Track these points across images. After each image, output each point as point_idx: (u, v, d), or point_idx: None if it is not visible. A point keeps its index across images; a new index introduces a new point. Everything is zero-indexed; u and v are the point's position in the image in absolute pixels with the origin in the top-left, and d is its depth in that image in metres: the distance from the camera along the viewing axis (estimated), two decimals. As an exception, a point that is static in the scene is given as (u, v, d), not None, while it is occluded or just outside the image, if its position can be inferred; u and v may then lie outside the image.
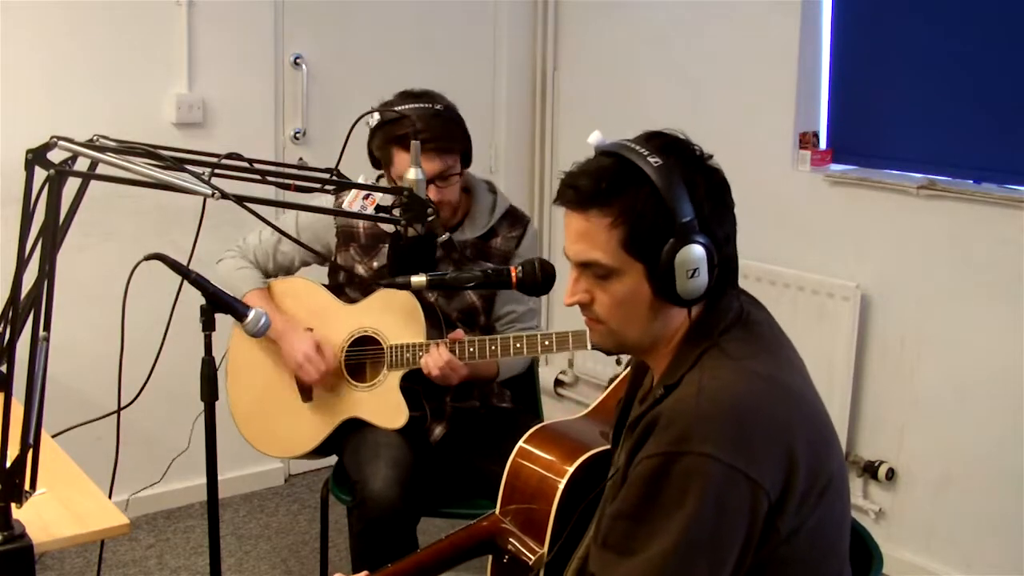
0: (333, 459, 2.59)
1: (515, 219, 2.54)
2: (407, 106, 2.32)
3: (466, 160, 2.43)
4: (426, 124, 2.26)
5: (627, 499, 1.35)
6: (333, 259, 2.51)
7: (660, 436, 1.32)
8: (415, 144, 1.87)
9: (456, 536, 1.76)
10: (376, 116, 2.34)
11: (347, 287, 2.51)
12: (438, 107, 2.34)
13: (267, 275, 2.56)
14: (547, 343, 2.27)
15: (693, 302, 1.39)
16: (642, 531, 1.31)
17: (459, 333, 2.35)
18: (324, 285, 2.55)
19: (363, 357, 2.46)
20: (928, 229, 2.97)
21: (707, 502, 1.27)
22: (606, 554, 1.36)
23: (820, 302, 3.18)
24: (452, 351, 2.30)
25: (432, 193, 2.31)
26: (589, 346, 2.19)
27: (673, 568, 1.28)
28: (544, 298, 4.08)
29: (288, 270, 2.57)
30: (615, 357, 2.28)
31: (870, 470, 3.12)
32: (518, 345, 2.28)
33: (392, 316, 2.41)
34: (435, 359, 2.30)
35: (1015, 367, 2.77)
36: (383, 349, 2.41)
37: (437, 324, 2.42)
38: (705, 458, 1.27)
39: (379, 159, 2.40)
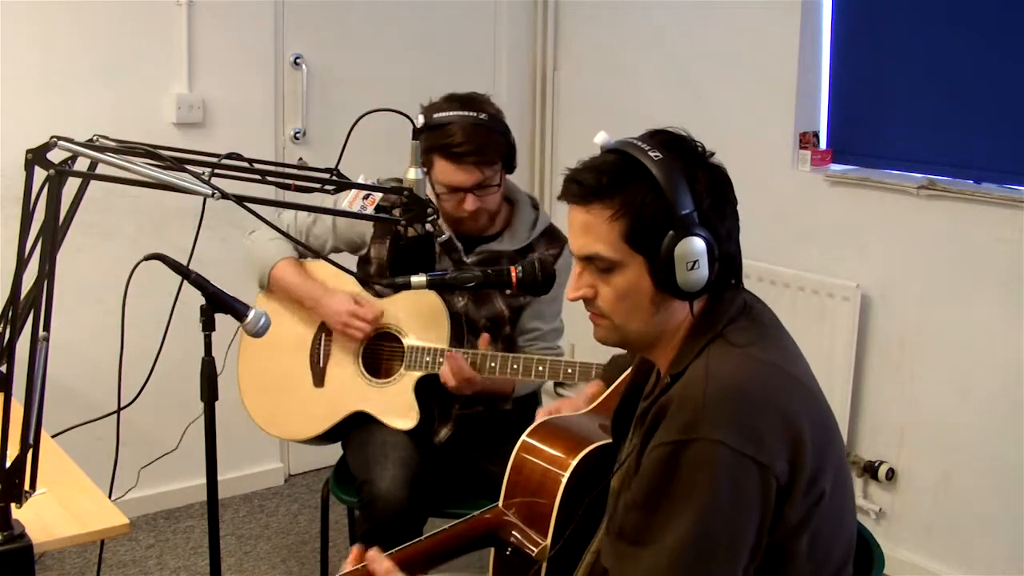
0: (334, 455, 2.59)
1: (554, 237, 2.53)
2: (450, 113, 2.30)
3: (508, 166, 2.41)
4: (467, 135, 2.26)
5: (640, 488, 1.36)
6: (367, 250, 2.50)
7: (670, 424, 1.34)
8: (415, 144, 1.87)
9: (458, 527, 1.76)
10: (421, 119, 2.32)
11: (375, 280, 2.51)
12: (481, 116, 2.32)
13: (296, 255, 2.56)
14: (569, 371, 2.26)
15: (694, 295, 1.41)
16: (656, 520, 1.33)
17: (485, 338, 2.35)
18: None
19: (381, 352, 2.45)
20: (928, 229, 2.97)
21: (719, 489, 1.28)
22: (621, 545, 1.38)
23: (820, 302, 3.18)
24: (473, 363, 2.30)
25: (470, 202, 2.33)
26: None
27: (690, 557, 1.29)
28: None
29: (318, 254, 2.57)
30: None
31: (870, 470, 3.12)
32: (540, 369, 2.28)
33: (417, 317, 2.41)
34: (454, 370, 2.29)
35: (1015, 367, 2.77)
36: (403, 347, 2.41)
37: (460, 332, 2.42)
38: (715, 444, 1.28)
39: (422, 163, 2.39)
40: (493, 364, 2.31)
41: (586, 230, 1.42)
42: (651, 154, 1.38)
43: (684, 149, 1.42)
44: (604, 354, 2.24)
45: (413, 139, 2.36)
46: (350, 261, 2.59)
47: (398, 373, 2.41)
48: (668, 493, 1.32)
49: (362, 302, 2.42)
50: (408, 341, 2.40)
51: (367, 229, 2.50)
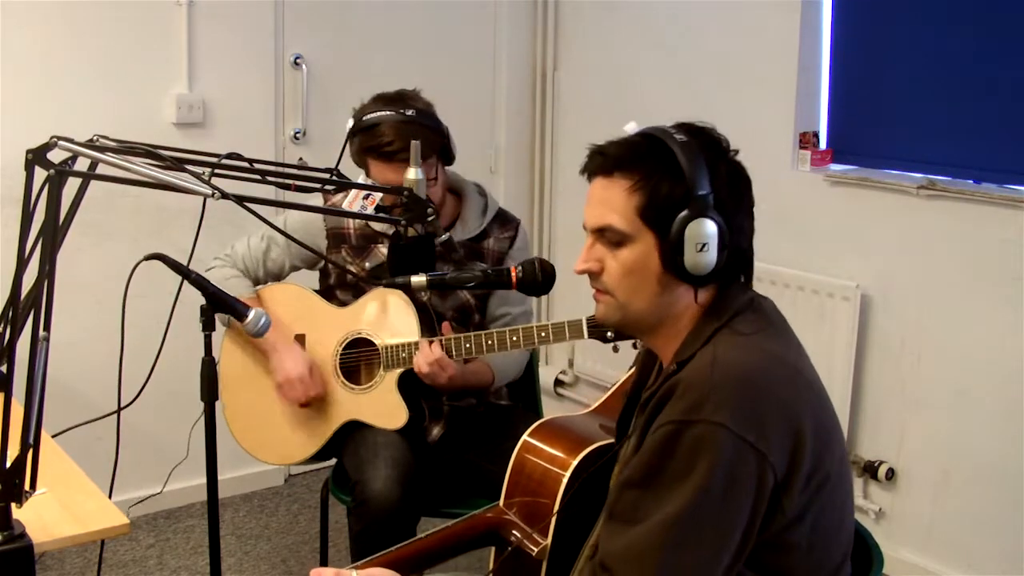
0: (333, 460, 2.59)
1: (506, 220, 2.55)
2: (377, 114, 2.31)
3: (445, 158, 2.42)
4: (395, 133, 2.26)
5: (637, 467, 1.37)
6: (323, 263, 2.51)
7: (674, 405, 1.34)
8: (415, 144, 1.87)
9: (459, 525, 1.77)
10: (351, 122, 2.34)
11: (338, 289, 2.51)
12: (408, 113, 2.31)
13: (257, 282, 2.55)
14: (543, 334, 2.26)
15: (700, 281, 1.41)
16: (649, 498, 1.33)
17: (446, 326, 2.35)
18: (315, 290, 2.54)
19: (358, 359, 2.45)
20: (928, 229, 2.97)
21: (716, 472, 1.29)
22: (613, 524, 1.38)
23: (820, 302, 3.18)
24: (448, 350, 2.30)
25: None
26: (585, 334, 2.21)
27: (677, 536, 1.30)
28: (544, 297, 4.09)
29: (278, 276, 2.56)
30: (611, 346, 2.26)
31: (870, 470, 3.12)
32: (515, 338, 2.28)
33: (385, 316, 2.41)
34: (425, 355, 2.30)
35: (1015, 367, 2.77)
36: (377, 350, 2.40)
37: (430, 323, 2.42)
38: (717, 427, 1.29)
39: (357, 164, 2.41)
40: (468, 345, 2.30)
41: (603, 201, 1.43)
42: (676, 136, 1.41)
43: (709, 139, 1.44)
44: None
45: (348, 143, 2.38)
46: (310, 277, 2.59)
47: (378, 375, 2.40)
48: (664, 472, 1.32)
49: (315, 372, 2.40)
50: (381, 341, 2.40)
51: (321, 242, 2.50)
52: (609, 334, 2.17)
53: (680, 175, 1.38)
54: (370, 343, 2.42)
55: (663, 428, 1.34)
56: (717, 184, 1.40)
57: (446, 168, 2.50)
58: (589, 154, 1.47)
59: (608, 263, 1.45)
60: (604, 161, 1.44)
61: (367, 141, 2.32)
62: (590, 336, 2.22)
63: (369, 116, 2.32)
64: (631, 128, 1.48)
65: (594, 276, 1.47)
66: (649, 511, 1.32)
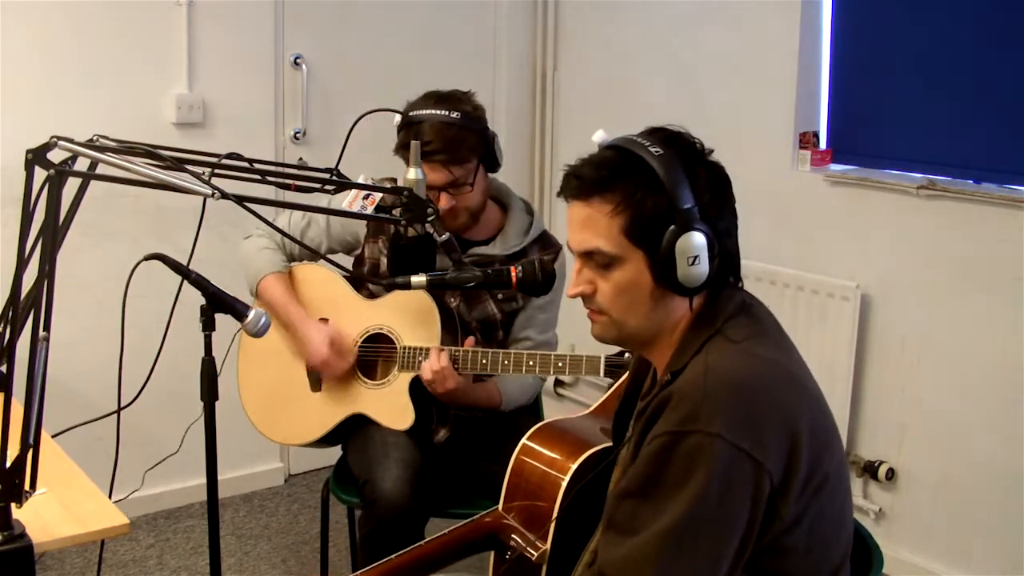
0: (334, 455, 2.60)
1: (548, 243, 2.53)
2: (423, 111, 2.30)
3: (488, 164, 2.40)
4: (435, 135, 2.25)
5: (634, 478, 1.36)
6: (360, 250, 2.51)
7: (669, 416, 1.34)
8: (415, 144, 1.87)
9: (459, 530, 1.77)
10: (398, 117, 2.34)
11: (371, 279, 2.51)
12: (453, 115, 2.30)
13: (292, 259, 2.55)
14: (560, 364, 2.25)
15: (694, 291, 1.41)
16: (646, 509, 1.33)
17: (470, 341, 2.35)
18: (345, 276, 2.55)
19: (376, 354, 2.46)
20: (928, 229, 2.97)
21: (712, 482, 1.28)
22: (611, 534, 1.38)
23: (820, 302, 3.18)
24: (464, 363, 2.30)
25: (443, 200, 2.32)
26: (602, 372, 2.20)
27: (675, 546, 1.30)
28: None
29: (314, 257, 2.57)
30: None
31: (870, 470, 3.12)
32: (531, 363, 2.27)
33: (409, 317, 2.41)
34: (431, 362, 2.29)
35: (1015, 367, 2.77)
36: (396, 348, 2.41)
37: (454, 330, 2.42)
38: (712, 437, 1.28)
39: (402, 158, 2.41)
40: (484, 361, 2.30)
41: (586, 225, 1.42)
42: (651, 149, 1.38)
43: (684, 145, 1.42)
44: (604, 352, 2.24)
45: (398, 136, 2.38)
46: (344, 261, 2.60)
47: (392, 374, 2.41)
48: (661, 483, 1.32)
49: (339, 345, 2.41)
50: (401, 342, 2.41)
51: (361, 229, 2.50)
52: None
53: (661, 189, 1.36)
54: (390, 341, 2.43)
55: (659, 439, 1.33)
56: (699, 192, 1.38)
57: (494, 178, 2.49)
58: (564, 177, 1.44)
59: (600, 284, 1.44)
60: (581, 185, 1.42)
61: (407, 138, 2.30)
62: (606, 375, 2.21)
63: (415, 113, 2.31)
64: (599, 138, 1.45)
65: (587, 297, 1.46)
66: (646, 521, 1.32)
